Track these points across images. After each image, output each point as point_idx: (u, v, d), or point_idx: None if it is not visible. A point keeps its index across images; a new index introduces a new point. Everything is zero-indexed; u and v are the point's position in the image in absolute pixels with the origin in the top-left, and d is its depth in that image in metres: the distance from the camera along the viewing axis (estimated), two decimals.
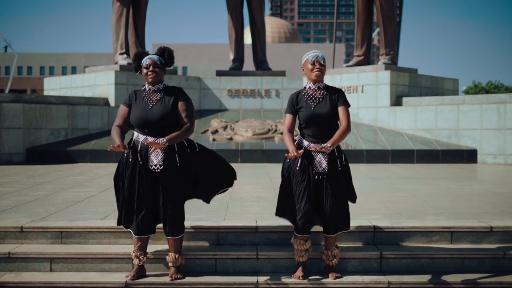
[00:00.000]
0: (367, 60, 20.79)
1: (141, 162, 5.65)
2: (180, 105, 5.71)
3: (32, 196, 9.33)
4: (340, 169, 5.77)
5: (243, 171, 14.30)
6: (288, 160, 5.84)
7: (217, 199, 9.07)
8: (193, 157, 5.86)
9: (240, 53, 22.81)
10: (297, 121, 5.89)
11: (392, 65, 19.85)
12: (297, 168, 5.72)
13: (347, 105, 5.77)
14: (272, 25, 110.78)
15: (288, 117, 5.88)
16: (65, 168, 14.75)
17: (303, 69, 5.85)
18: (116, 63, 20.19)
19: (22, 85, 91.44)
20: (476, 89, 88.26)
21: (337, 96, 5.76)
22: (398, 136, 18.22)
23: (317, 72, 5.72)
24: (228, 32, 22.85)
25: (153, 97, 5.73)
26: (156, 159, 5.66)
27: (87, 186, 10.80)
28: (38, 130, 17.04)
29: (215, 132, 18.61)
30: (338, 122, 5.78)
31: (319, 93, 5.77)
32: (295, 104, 5.82)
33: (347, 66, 20.78)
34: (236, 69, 22.67)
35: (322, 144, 5.51)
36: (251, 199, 8.99)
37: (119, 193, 5.88)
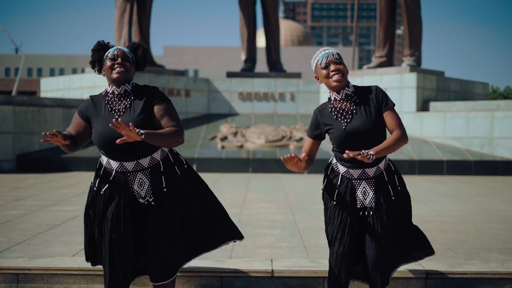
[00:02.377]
0: (390, 61, 19.22)
1: (121, 200, 4.08)
2: (157, 109, 4.05)
3: (1, 217, 7.80)
4: (393, 198, 4.18)
5: (255, 183, 12.75)
6: (324, 186, 4.27)
7: None
8: (181, 182, 4.26)
9: (253, 53, 21.27)
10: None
11: (417, 67, 18.25)
12: (334, 201, 4.17)
13: (393, 106, 4.14)
14: (285, 28, 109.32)
15: (307, 142, 4.28)
16: (57, 178, 13.24)
17: (317, 78, 4.19)
18: None
19: (31, 87, 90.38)
20: (494, 95, 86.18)
21: (375, 99, 4.11)
22: (425, 144, 16.60)
23: (336, 77, 4.05)
24: (240, 31, 21.32)
25: (118, 105, 4.07)
26: (142, 189, 4.10)
27: (73, 203, 9.26)
28: (30, 135, 15.54)
29: (224, 138, 17.11)
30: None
31: (350, 103, 4.12)
32: (320, 124, 4.20)
33: (368, 68, 19.18)
34: (248, 70, 21.14)
35: (363, 151, 3.80)
36: (265, 225, 7.42)
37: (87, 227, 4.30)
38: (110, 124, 3.64)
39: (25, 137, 15.49)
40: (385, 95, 4.10)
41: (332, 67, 4.05)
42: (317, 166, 15.84)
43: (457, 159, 15.62)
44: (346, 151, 3.75)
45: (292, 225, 7.46)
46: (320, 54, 4.13)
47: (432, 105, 17.35)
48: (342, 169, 4.18)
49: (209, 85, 20.37)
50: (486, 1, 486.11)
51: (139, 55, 4.17)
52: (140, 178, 4.06)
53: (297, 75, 21.47)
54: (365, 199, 4.14)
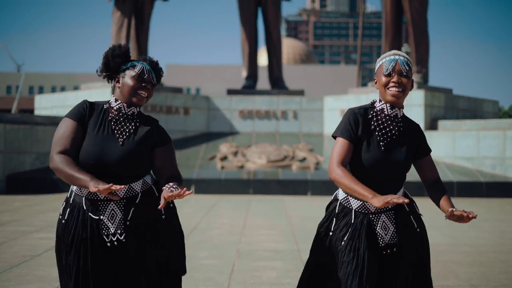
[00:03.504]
0: None
1: (84, 235, 3.37)
2: (162, 151, 3.50)
3: None
4: (418, 230, 3.46)
5: (256, 207, 12.05)
6: (330, 232, 3.51)
7: (219, 255, 6.84)
8: (166, 211, 3.57)
9: (254, 69, 20.66)
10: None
11: (425, 84, 17.63)
12: (347, 243, 3.40)
13: (430, 151, 3.51)
14: (288, 46, 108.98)
15: (343, 145, 3.39)
16: (47, 200, 12.54)
17: (375, 82, 3.47)
18: None
19: (32, 105, 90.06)
20: (499, 113, 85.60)
21: (418, 136, 3.47)
22: None
23: (394, 90, 3.35)
24: (241, 46, 20.73)
25: (124, 126, 3.45)
26: (112, 223, 3.37)
27: None
28: (21, 155, 14.86)
29: (224, 158, 16.44)
30: None
31: (395, 125, 3.43)
32: (359, 128, 3.42)
33: (373, 85, 18.55)
34: (249, 87, 20.53)
35: (456, 210, 3.23)
36: (266, 256, 6.72)
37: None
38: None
39: (16, 156, 14.81)
40: (425, 137, 3.53)
41: (395, 78, 3.37)
42: (320, 187, 15.26)
43: (468, 180, 14.94)
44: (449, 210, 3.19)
45: (295, 256, 6.75)
46: (388, 57, 3.43)
47: (441, 123, 16.69)
48: (355, 203, 3.45)
49: (208, 103, 19.71)
50: (492, 19, 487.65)
51: (157, 76, 3.57)
52: (112, 209, 3.36)
53: (300, 93, 20.84)
54: (386, 235, 3.42)
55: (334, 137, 3.41)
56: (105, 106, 3.46)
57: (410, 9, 17.81)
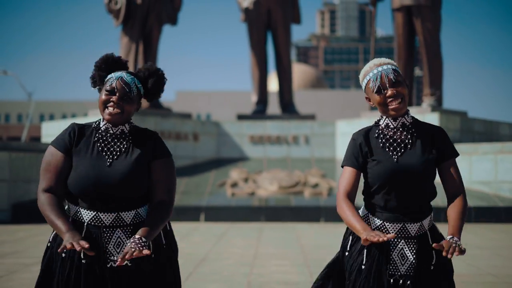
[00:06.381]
0: (409, 101, 18.21)
1: (84, 261, 3.09)
2: (159, 166, 3.19)
3: None
4: (433, 268, 3.15)
5: (267, 235, 11.66)
6: (347, 252, 3.23)
7: (231, 286, 6.46)
8: (170, 240, 3.31)
9: (264, 94, 20.38)
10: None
11: (439, 106, 17.27)
12: (363, 265, 3.11)
13: (457, 155, 3.15)
14: (298, 71, 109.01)
15: (348, 173, 3.20)
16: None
17: (368, 100, 3.26)
18: None
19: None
20: None
21: (438, 140, 3.19)
22: None
23: (395, 104, 3.12)
24: (251, 71, 20.47)
25: (113, 145, 3.16)
26: (118, 252, 3.08)
27: None
28: (27, 183, 14.57)
29: (235, 185, 16.07)
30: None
31: (405, 134, 3.18)
32: (363, 152, 3.19)
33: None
34: (260, 112, 20.22)
35: (451, 240, 3.02)
36: None
37: None
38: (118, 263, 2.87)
39: (22, 185, 14.52)
40: (449, 140, 3.21)
41: (389, 92, 3.11)
42: (333, 213, 14.82)
43: (485, 205, 14.51)
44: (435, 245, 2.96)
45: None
46: (371, 73, 3.18)
47: (457, 147, 16.06)
48: (376, 222, 3.15)
49: (218, 128, 19.39)
50: (507, 40, 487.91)
51: (150, 85, 3.25)
52: (119, 236, 3.05)
53: (311, 117, 20.52)
54: (402, 265, 3.10)
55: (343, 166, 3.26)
56: (93, 126, 3.21)
57: (423, 30, 17.48)
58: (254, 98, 20.55)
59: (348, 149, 3.25)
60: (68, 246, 2.87)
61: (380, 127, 3.22)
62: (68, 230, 2.97)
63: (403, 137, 3.16)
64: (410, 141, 3.15)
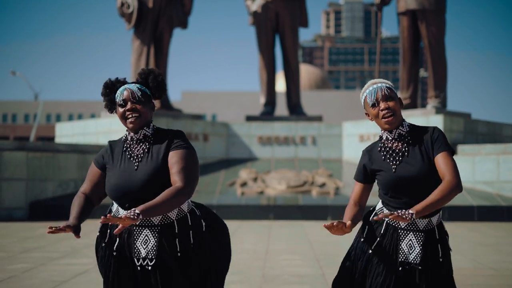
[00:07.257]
0: (414, 103, 18.63)
1: (115, 253, 3.47)
2: (171, 155, 3.44)
3: (6, 271, 7.22)
4: (441, 260, 3.54)
5: (277, 232, 12.10)
6: (362, 238, 3.63)
7: (245, 279, 6.90)
8: (200, 241, 3.56)
9: (272, 96, 20.80)
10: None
11: (443, 108, 17.66)
12: (375, 253, 3.54)
13: (448, 150, 3.51)
14: (303, 72, 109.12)
15: (357, 187, 3.71)
16: None
17: (367, 115, 3.64)
18: None
19: (50, 133, 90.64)
20: None
21: (430, 140, 3.53)
22: None
23: (387, 118, 3.50)
24: (259, 74, 20.90)
25: (137, 151, 3.49)
26: (144, 248, 3.44)
27: (84, 254, 8.65)
28: (43, 182, 15.04)
29: (244, 184, 16.51)
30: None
31: (402, 144, 3.57)
32: (369, 166, 3.64)
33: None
34: (268, 113, 20.64)
35: (400, 211, 3.21)
36: (292, 281, 6.77)
37: None
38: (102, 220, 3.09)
39: (38, 184, 14.98)
40: (442, 137, 3.52)
41: (382, 105, 3.51)
42: (340, 212, 15.18)
43: (488, 204, 14.90)
44: (378, 216, 3.25)
45: (321, 280, 6.80)
46: (368, 90, 3.59)
47: (460, 148, 16.69)
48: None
49: (227, 129, 19.85)
50: (509, 44, 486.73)
51: (151, 85, 3.57)
52: (146, 235, 3.43)
53: (319, 119, 20.93)
54: (410, 254, 3.52)
55: None
56: (122, 139, 3.60)
57: (427, 33, 17.85)
58: (262, 100, 20.97)
59: (359, 163, 3.70)
60: (61, 227, 3.26)
61: (382, 141, 3.62)
62: (70, 219, 3.41)
63: (400, 146, 3.55)
64: (406, 149, 3.53)
